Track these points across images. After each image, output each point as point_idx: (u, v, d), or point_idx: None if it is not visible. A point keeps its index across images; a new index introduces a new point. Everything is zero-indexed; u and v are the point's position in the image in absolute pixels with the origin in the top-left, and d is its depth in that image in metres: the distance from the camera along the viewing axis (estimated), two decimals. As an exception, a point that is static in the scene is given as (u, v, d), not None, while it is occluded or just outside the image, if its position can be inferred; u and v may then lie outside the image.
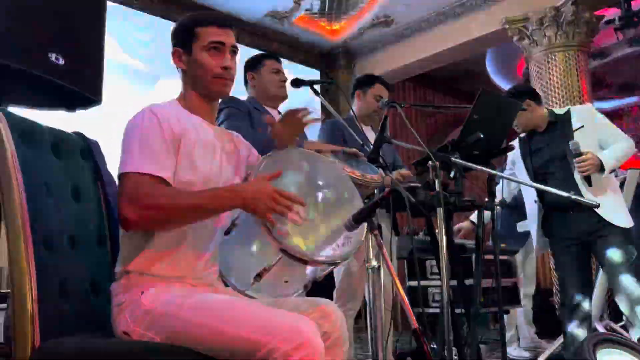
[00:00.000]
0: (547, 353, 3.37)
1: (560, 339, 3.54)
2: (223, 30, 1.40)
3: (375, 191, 2.12)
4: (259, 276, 1.32)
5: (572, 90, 5.12)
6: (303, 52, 6.86)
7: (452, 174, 2.09)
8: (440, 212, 1.76)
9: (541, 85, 5.29)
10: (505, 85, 8.21)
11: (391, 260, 2.63)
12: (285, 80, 2.42)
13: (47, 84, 1.49)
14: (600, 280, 3.53)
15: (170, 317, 1.14)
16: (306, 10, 6.09)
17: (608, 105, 8.77)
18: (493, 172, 1.99)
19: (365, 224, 1.43)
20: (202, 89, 1.41)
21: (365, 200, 1.75)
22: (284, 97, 2.44)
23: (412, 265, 3.17)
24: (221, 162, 1.39)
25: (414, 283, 3.07)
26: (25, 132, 1.34)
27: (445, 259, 1.75)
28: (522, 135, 3.00)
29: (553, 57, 5.25)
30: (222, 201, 1.25)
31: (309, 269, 1.46)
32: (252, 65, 2.42)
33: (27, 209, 1.24)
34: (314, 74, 6.86)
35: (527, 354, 3.88)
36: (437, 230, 2.02)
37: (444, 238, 1.76)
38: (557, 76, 5.20)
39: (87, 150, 1.58)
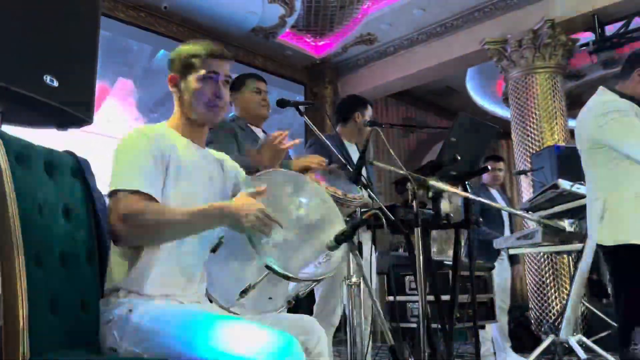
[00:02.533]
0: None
1: (535, 353, 3.64)
2: (220, 61, 1.48)
3: (357, 210, 2.20)
4: (244, 293, 1.38)
5: (549, 109, 5.29)
6: (288, 67, 6.96)
7: (429, 194, 2.18)
8: (417, 231, 1.84)
9: (519, 104, 5.46)
10: (484, 104, 8.41)
11: (371, 275, 2.71)
12: (266, 100, 2.50)
13: (40, 104, 1.54)
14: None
15: (159, 334, 1.19)
16: (292, 26, 6.19)
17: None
18: (466, 195, 2.07)
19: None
20: (194, 115, 1.47)
21: (347, 219, 1.83)
22: (265, 117, 2.51)
23: (390, 281, 3.25)
24: (204, 184, 1.46)
25: (392, 298, 3.14)
26: (19, 152, 1.39)
27: (422, 275, 1.82)
28: None
29: (531, 78, 5.42)
30: (210, 218, 1.30)
31: (292, 286, 1.53)
32: (234, 86, 2.49)
33: (19, 227, 1.29)
34: (298, 89, 6.96)
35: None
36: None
37: (421, 255, 1.83)
38: (534, 96, 5.37)
39: (78, 168, 1.62)
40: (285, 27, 6.15)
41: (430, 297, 2.32)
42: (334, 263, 1.49)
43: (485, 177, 4.33)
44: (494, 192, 4.33)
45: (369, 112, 2.90)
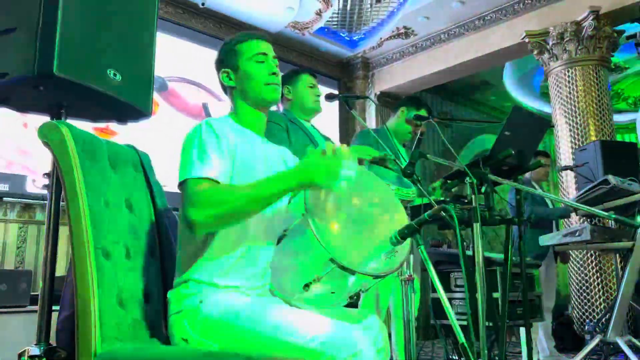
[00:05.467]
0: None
1: (583, 353, 3.55)
2: (262, 42, 1.51)
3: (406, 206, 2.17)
4: (307, 286, 1.36)
5: (593, 103, 5.14)
6: (322, 62, 6.94)
7: (482, 189, 2.13)
8: (476, 227, 1.80)
9: (560, 98, 5.31)
10: (521, 99, 8.23)
11: (414, 272, 2.68)
12: (319, 95, 2.49)
13: (104, 98, 1.56)
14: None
15: (229, 325, 1.19)
16: (327, 21, 6.16)
17: (624, 118, 8.75)
18: (525, 188, 2.02)
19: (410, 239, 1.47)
20: (254, 99, 1.48)
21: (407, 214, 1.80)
22: (319, 110, 2.50)
23: (440, 278, 3.20)
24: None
25: (436, 295, 3.10)
26: (86, 145, 1.41)
27: (482, 272, 1.78)
28: None
29: (573, 72, 5.26)
30: (282, 181, 1.27)
31: (352, 281, 1.51)
32: (288, 79, 2.48)
33: (89, 223, 1.30)
34: (331, 84, 6.93)
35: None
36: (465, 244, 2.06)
37: (480, 252, 1.80)
38: (576, 90, 5.21)
39: (139, 162, 1.64)
40: (320, 22, 6.12)
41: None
42: (399, 259, 1.47)
43: (532, 173, 4.23)
44: (538, 187, 4.23)
45: (416, 111, 2.85)
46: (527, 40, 5.52)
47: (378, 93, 7.05)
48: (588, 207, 1.88)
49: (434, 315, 3.14)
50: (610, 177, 3.30)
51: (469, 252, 2.07)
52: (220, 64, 1.53)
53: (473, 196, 1.83)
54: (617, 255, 4.13)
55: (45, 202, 1.62)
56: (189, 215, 1.23)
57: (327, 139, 2.54)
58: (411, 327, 2.06)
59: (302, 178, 1.26)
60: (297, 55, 6.61)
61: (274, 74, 1.48)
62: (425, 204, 2.48)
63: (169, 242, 1.58)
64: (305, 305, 1.43)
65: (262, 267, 1.38)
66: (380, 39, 6.62)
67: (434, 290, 3.16)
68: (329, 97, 2.28)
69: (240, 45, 1.50)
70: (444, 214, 1.71)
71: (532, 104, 8.35)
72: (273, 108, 1.69)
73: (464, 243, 2.28)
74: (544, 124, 2.46)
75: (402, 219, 1.49)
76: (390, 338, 2.23)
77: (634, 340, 3.49)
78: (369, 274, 1.40)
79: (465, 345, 1.23)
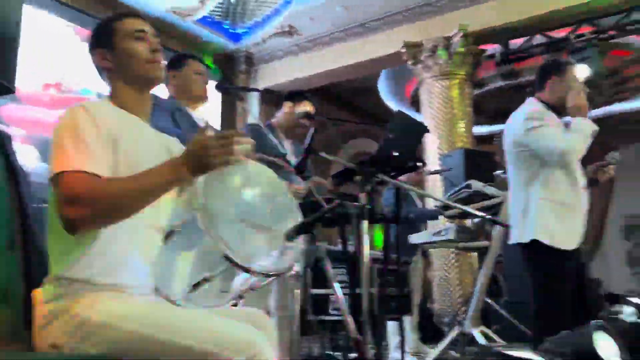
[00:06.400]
0: (431, 357, 3.62)
1: (443, 344, 3.83)
2: (139, 20, 1.41)
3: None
4: (196, 286, 1.28)
5: (458, 114, 5.59)
6: (203, 53, 6.70)
7: (369, 188, 2.20)
8: (365, 224, 1.84)
9: (430, 107, 5.71)
10: (393, 105, 8.71)
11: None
12: (207, 83, 2.37)
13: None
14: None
15: (111, 328, 1.07)
16: (211, 10, 5.97)
17: (483, 130, 9.68)
18: (409, 187, 2.11)
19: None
20: (135, 79, 1.35)
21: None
22: (206, 99, 2.38)
23: (317, 274, 3.25)
24: (152, 164, 1.34)
25: (316, 291, 3.14)
26: None
27: (367, 268, 1.83)
28: None
29: (442, 83, 5.69)
30: (165, 172, 1.17)
31: (242, 279, 1.45)
32: (175, 64, 2.33)
33: None
34: (213, 76, 6.73)
35: (413, 359, 4.13)
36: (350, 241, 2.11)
37: (366, 249, 1.84)
38: (444, 101, 5.64)
39: (-2, 142, 1.42)
40: (203, 10, 5.92)
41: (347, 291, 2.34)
42: (291, 257, 1.44)
43: (407, 175, 4.47)
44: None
45: (304, 106, 2.84)
46: (404, 50, 5.85)
47: (261, 90, 7.01)
48: (466, 208, 2.03)
49: (313, 311, 3.17)
50: (473, 182, 3.61)
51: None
52: (94, 44, 1.38)
53: (361, 194, 1.86)
54: (476, 254, 4.54)
55: None
56: (64, 213, 1.08)
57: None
58: (296, 323, 2.05)
59: (189, 166, 1.16)
60: (177, 43, 6.31)
61: (155, 50, 1.36)
62: (315, 202, 2.49)
63: (35, 234, 1.39)
64: (193, 306, 1.34)
65: (147, 264, 1.27)
66: (265, 35, 6.59)
67: (313, 286, 3.21)
68: (220, 88, 2.19)
69: (116, 23, 1.37)
70: (340, 211, 1.72)
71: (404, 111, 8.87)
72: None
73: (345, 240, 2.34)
74: (423, 129, 2.60)
75: (295, 216, 1.47)
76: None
77: (487, 330, 3.85)
78: (263, 272, 1.35)
79: (355, 339, 1.24)
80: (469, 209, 2.06)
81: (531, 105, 2.55)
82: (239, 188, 1.47)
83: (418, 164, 3.15)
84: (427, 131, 2.88)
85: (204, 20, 6.19)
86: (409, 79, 7.86)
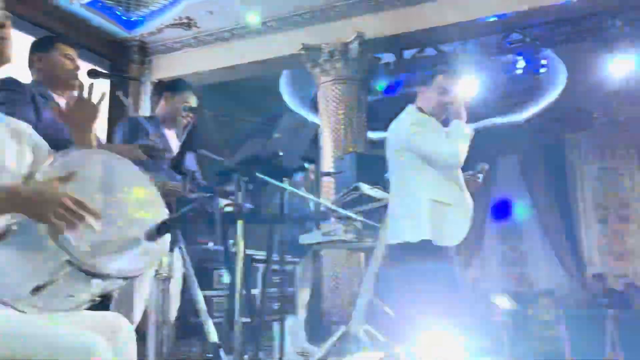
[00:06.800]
0: (316, 356, 3.65)
1: (327, 343, 3.89)
2: None
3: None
4: (37, 290, 1.16)
5: (353, 119, 5.72)
6: (92, 38, 6.27)
7: (250, 188, 2.16)
8: (240, 224, 1.79)
9: (327, 111, 5.80)
10: (297, 107, 8.74)
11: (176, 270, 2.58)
12: (79, 69, 2.19)
13: None
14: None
15: None
16: (102, -6, 5.61)
17: (377, 135, 10.03)
18: (289, 188, 2.10)
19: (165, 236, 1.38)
20: None
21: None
22: (74, 87, 2.20)
23: (200, 276, 3.16)
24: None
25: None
26: None
27: (242, 269, 1.79)
28: None
29: (339, 88, 5.80)
30: None
31: (97, 281, 1.34)
32: (41, 46, 2.13)
33: None
34: (103, 65, 6.32)
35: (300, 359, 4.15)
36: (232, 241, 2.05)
37: (242, 249, 1.80)
38: (341, 105, 5.75)
39: None
40: (94, -7, 5.54)
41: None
42: (152, 257, 1.36)
43: (301, 176, 4.51)
44: (306, 192, 4.55)
45: (186, 97, 2.72)
46: (303, 52, 5.88)
47: (156, 81, 6.70)
48: (340, 209, 2.05)
49: (191, 314, 3.07)
50: (361, 185, 3.70)
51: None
52: None
53: (239, 193, 1.82)
54: (364, 253, 4.67)
55: None
56: None
57: None
58: (167, 326, 1.95)
59: (25, 208, 1.07)
60: (63, 26, 5.85)
61: None
62: (194, 199, 2.40)
63: None
64: (34, 310, 1.22)
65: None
66: (161, 25, 6.32)
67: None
68: (92, 74, 2.02)
69: None
70: (212, 210, 1.65)
71: (306, 114, 8.93)
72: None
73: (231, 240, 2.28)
74: (312, 131, 2.62)
75: (159, 215, 1.39)
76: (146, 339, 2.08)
77: (371, 329, 3.96)
78: (115, 275, 1.26)
79: (218, 344, 1.20)
80: (340, 209, 2.09)
81: (413, 112, 2.67)
82: (95, 187, 1.36)
83: (307, 165, 3.18)
84: (318, 133, 2.91)
85: (93, 4, 5.79)
86: (311, 82, 7.93)
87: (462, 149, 2.50)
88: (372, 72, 6.06)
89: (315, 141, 6.64)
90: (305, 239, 3.93)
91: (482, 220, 9.85)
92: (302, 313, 4.27)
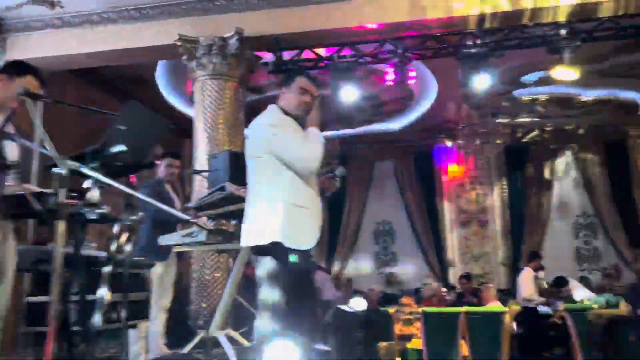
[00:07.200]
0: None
1: (187, 348, 3.74)
2: None
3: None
4: None
5: (229, 116, 5.58)
6: None
7: (87, 184, 1.97)
8: (61, 223, 1.62)
9: (202, 107, 5.60)
10: (173, 100, 8.38)
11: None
12: None
13: None
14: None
15: None
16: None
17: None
18: (122, 187, 1.95)
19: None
20: None
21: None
22: None
23: (38, 279, 2.87)
24: None
25: (35, 299, 2.75)
26: None
27: (58, 272, 1.61)
28: None
29: (216, 84, 5.63)
30: None
31: None
32: None
33: None
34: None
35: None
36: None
37: (61, 249, 1.62)
38: (218, 101, 5.58)
39: None
40: None
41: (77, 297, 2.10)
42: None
43: (162, 172, 4.31)
44: (168, 187, 4.35)
45: (27, 81, 2.44)
46: (179, 43, 5.63)
47: (10, 62, 6.02)
48: (172, 210, 1.95)
49: (28, 321, 2.77)
50: (227, 184, 3.60)
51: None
52: None
53: (61, 190, 1.64)
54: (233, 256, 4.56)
55: None
56: None
57: None
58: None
59: None
60: None
61: None
62: (22, 194, 2.15)
63: None
64: None
65: None
66: (20, 0, 5.70)
67: (30, 294, 2.80)
68: None
69: None
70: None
71: (184, 108, 8.59)
72: None
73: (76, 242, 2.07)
74: (164, 125, 2.46)
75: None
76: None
77: (232, 333, 3.88)
78: None
79: None
80: (173, 211, 1.99)
81: (273, 113, 2.63)
82: None
83: (156, 162, 3.02)
84: (171, 129, 2.75)
85: None
86: (189, 75, 7.63)
87: (321, 153, 2.51)
88: (251, 70, 5.97)
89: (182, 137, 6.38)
90: (165, 240, 3.74)
91: (358, 221, 10.22)
92: (161, 318, 4.07)
